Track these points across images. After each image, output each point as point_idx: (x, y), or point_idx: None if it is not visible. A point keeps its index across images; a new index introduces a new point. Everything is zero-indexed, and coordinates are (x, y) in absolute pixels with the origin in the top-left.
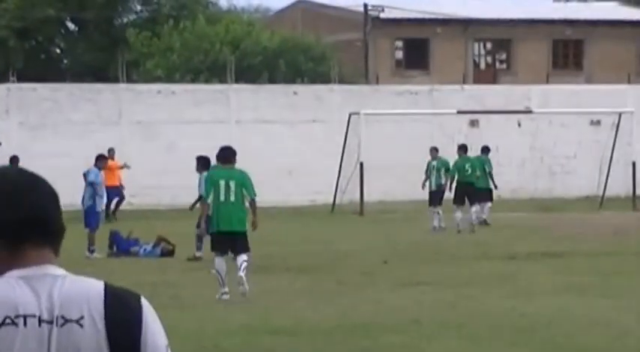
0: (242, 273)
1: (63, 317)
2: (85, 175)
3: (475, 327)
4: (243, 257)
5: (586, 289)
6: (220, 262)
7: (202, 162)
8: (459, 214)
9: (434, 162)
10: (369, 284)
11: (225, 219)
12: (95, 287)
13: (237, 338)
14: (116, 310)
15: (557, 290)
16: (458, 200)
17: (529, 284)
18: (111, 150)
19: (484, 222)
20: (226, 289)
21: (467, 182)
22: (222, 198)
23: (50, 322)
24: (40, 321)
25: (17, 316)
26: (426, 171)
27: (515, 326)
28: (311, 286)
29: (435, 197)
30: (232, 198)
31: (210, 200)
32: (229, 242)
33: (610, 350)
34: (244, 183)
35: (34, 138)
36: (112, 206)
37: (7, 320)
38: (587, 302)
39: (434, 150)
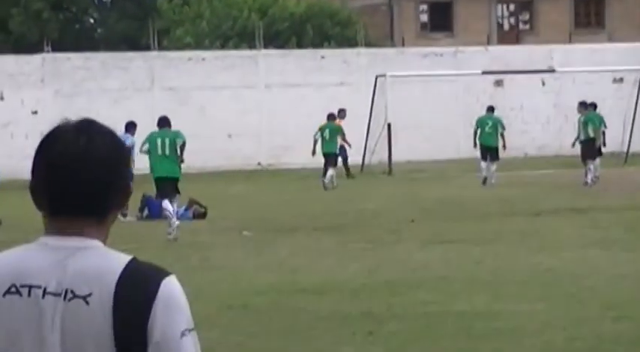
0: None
1: (72, 291)
2: None
3: (501, 283)
4: (174, 200)
5: (611, 243)
6: (167, 202)
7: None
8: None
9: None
10: (396, 242)
11: (164, 168)
12: (115, 264)
13: (265, 298)
14: (127, 291)
15: (583, 245)
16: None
17: (555, 239)
18: (342, 111)
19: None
20: (175, 220)
21: (590, 138)
22: (159, 152)
23: (58, 295)
24: (45, 293)
25: (23, 285)
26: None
27: (541, 281)
28: (339, 245)
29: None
30: (167, 152)
31: (144, 151)
32: (168, 185)
33: (636, 303)
34: (176, 136)
35: (69, 106)
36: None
37: (12, 289)
38: (613, 256)
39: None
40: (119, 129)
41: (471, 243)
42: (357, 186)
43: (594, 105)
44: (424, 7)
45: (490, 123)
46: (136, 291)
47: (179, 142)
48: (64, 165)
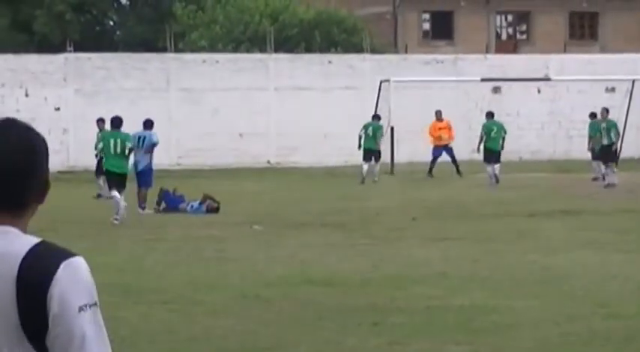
0: (122, 203)
1: None
2: (141, 138)
3: (498, 280)
4: (122, 194)
5: (603, 245)
6: (115, 192)
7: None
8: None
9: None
10: (399, 239)
11: (115, 165)
12: (22, 245)
13: (276, 289)
14: (30, 268)
15: (576, 246)
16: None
17: (548, 240)
18: (438, 112)
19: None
20: (122, 209)
21: (611, 143)
22: (112, 151)
23: None
24: None
25: None
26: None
27: (536, 279)
28: (345, 241)
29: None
30: (118, 151)
31: (99, 149)
32: (118, 179)
33: (626, 302)
34: (126, 139)
35: (89, 104)
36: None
37: None
38: (604, 256)
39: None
40: (137, 127)
41: (469, 242)
42: (361, 186)
43: (594, 115)
44: (426, 16)
45: (495, 129)
46: (37, 268)
47: (128, 145)
48: None
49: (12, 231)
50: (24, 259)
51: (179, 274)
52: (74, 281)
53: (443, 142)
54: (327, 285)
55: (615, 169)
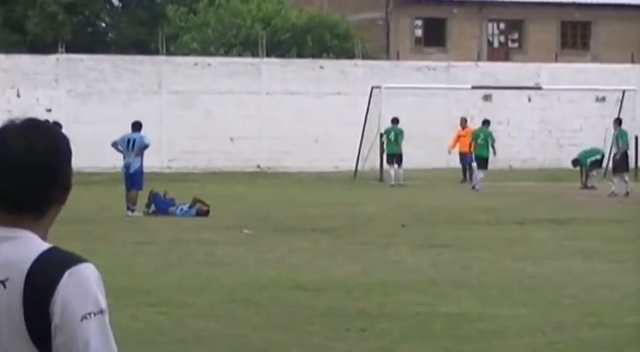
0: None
1: None
2: (132, 140)
3: (486, 287)
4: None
5: (591, 253)
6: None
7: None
8: (615, 180)
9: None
10: (388, 245)
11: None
12: (33, 252)
13: (266, 293)
14: (36, 276)
15: (564, 254)
16: (617, 168)
17: (538, 248)
18: (462, 120)
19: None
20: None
21: (623, 152)
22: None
23: None
24: None
25: None
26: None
27: (524, 287)
28: (335, 246)
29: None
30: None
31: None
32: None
33: (614, 311)
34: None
35: (81, 106)
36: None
37: None
38: (592, 265)
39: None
40: (128, 129)
41: (458, 249)
42: (351, 191)
43: (619, 122)
44: (419, 22)
45: (482, 136)
46: (43, 276)
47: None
48: (3, 167)
49: (26, 236)
50: (32, 265)
51: (168, 277)
52: (78, 290)
53: (465, 149)
54: (316, 290)
55: (626, 178)
